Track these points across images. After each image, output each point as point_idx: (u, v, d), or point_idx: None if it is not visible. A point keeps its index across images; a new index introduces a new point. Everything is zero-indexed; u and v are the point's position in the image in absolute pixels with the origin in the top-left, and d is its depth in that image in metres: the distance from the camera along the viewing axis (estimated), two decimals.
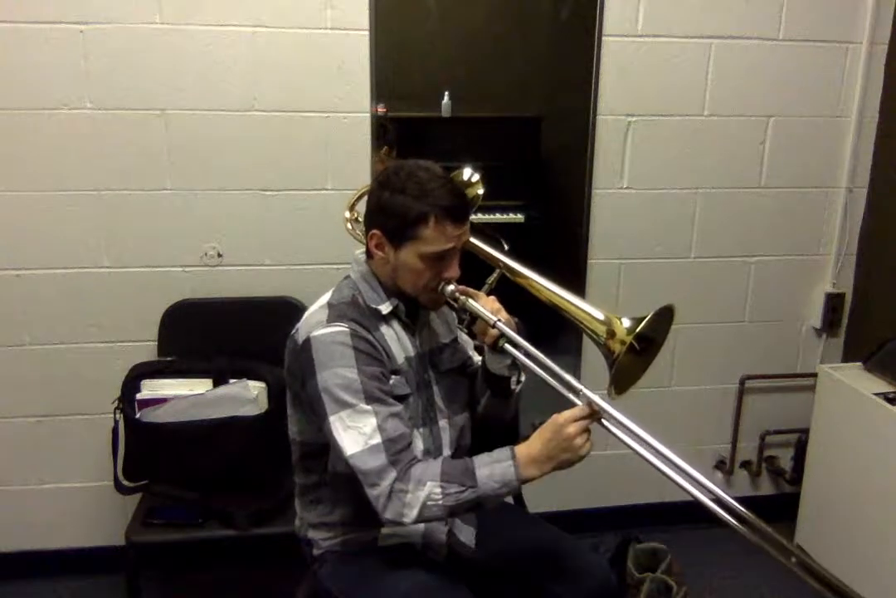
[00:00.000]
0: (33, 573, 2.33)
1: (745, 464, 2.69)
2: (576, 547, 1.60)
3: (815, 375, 2.46)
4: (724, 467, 2.67)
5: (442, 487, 1.30)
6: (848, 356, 2.61)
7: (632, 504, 2.63)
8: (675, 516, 2.58)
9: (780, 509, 2.54)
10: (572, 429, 1.29)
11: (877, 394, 2.17)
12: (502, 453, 1.34)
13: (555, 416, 1.32)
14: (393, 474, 1.32)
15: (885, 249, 2.48)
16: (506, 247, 1.65)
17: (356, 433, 1.33)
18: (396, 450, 1.33)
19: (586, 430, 1.30)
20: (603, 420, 1.31)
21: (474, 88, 2.38)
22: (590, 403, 1.31)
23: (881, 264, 2.50)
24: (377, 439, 1.33)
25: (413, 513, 1.31)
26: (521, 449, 1.33)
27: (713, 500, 1.23)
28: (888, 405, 2.11)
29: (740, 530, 1.20)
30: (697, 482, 1.25)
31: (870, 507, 2.18)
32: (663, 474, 1.25)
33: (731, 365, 2.60)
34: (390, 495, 1.31)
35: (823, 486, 2.39)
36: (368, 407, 1.35)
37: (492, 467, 1.31)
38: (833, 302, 2.56)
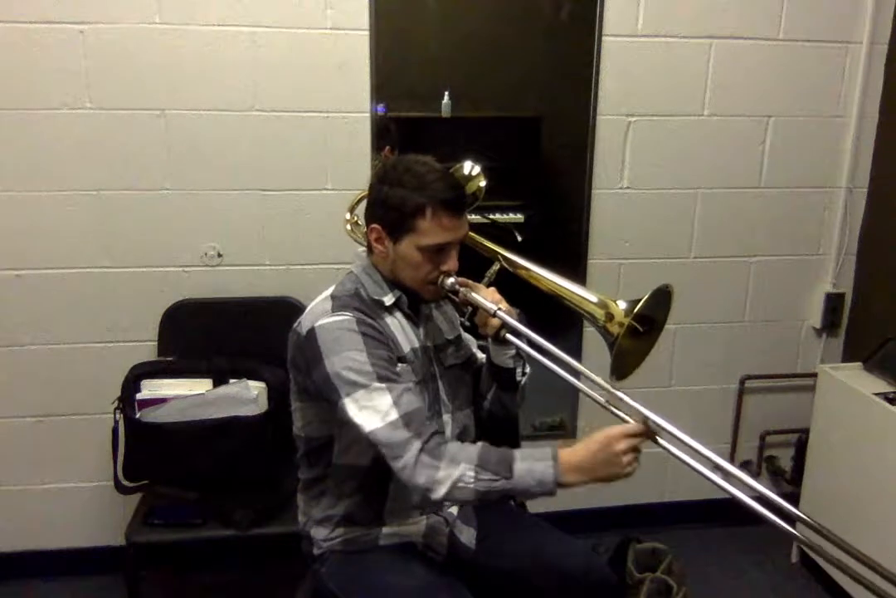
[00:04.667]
0: (33, 573, 2.33)
1: (745, 464, 2.69)
2: (575, 548, 1.60)
3: (815, 375, 2.46)
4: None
5: (476, 471, 1.28)
6: (848, 356, 2.62)
7: (632, 504, 2.63)
8: (675, 516, 2.58)
9: (779, 509, 2.54)
10: (623, 445, 1.26)
11: (877, 394, 2.16)
12: (544, 451, 1.30)
13: (606, 429, 1.29)
14: (417, 444, 1.29)
15: (885, 249, 2.48)
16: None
17: (372, 412, 1.32)
18: (417, 422, 1.32)
19: (637, 449, 1.27)
20: (658, 439, 1.27)
21: (474, 88, 2.37)
22: (645, 420, 1.27)
23: (881, 264, 2.50)
24: (394, 415, 1.32)
25: (443, 490, 1.28)
26: (565, 454, 1.29)
27: (780, 516, 1.20)
28: (888, 405, 2.11)
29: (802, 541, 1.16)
30: (763, 498, 1.22)
31: (870, 507, 2.18)
32: (721, 488, 1.21)
33: (731, 365, 2.60)
34: (416, 465, 1.28)
35: (823, 486, 2.39)
36: (382, 385, 1.34)
37: (531, 464, 1.29)
38: (833, 302, 2.56)
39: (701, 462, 1.23)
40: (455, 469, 1.28)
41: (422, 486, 1.29)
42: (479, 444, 1.34)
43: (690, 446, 1.24)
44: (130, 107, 2.08)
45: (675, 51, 2.29)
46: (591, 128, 2.31)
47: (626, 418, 1.29)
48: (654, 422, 1.27)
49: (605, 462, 1.27)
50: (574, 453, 1.29)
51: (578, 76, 2.29)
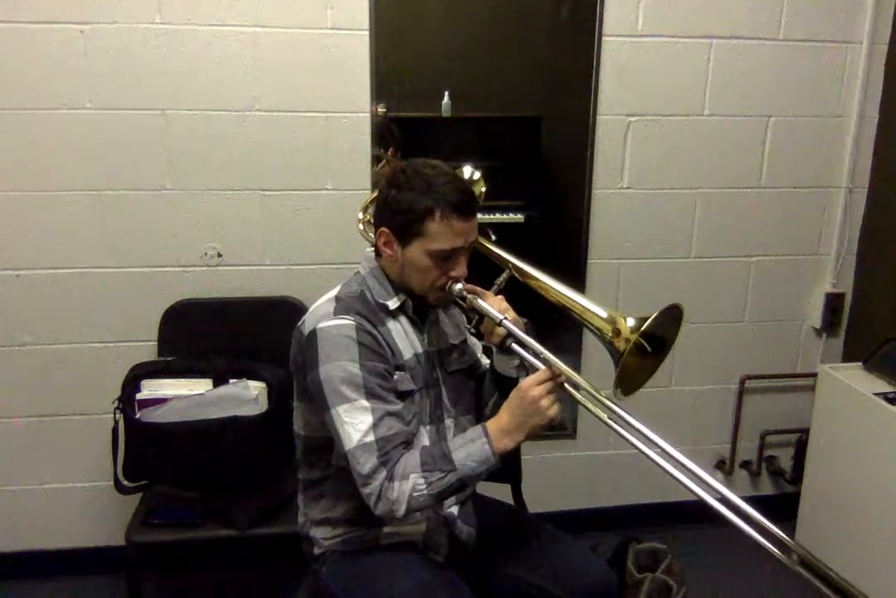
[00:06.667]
0: (33, 573, 2.33)
1: (745, 464, 2.70)
2: (575, 548, 1.60)
3: (815, 375, 2.46)
4: (724, 467, 2.67)
5: (424, 477, 1.32)
6: (848, 356, 2.62)
7: (632, 504, 2.63)
8: (675, 516, 2.58)
9: (780, 509, 2.53)
10: (535, 392, 1.32)
11: (877, 394, 2.17)
12: (474, 431, 1.36)
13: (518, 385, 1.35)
14: (383, 474, 1.33)
15: (885, 249, 2.48)
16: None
17: (352, 429, 1.35)
18: (388, 449, 1.34)
19: (550, 392, 1.32)
20: (565, 384, 1.33)
21: (474, 88, 2.38)
22: (550, 364, 1.33)
23: (881, 264, 2.50)
24: (371, 438, 1.34)
25: (402, 507, 1.33)
26: (491, 424, 1.35)
27: (697, 481, 1.23)
28: (888, 405, 2.11)
29: (718, 511, 1.18)
30: (670, 455, 1.24)
31: (870, 507, 2.18)
32: (627, 440, 1.25)
33: (731, 365, 2.60)
34: (380, 495, 1.33)
35: (823, 486, 2.39)
36: (367, 404, 1.35)
37: (467, 448, 1.34)
38: (833, 302, 2.56)
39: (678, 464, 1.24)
40: (406, 483, 1.32)
41: (383, 512, 1.34)
42: (419, 448, 1.38)
43: (602, 402, 1.29)
44: (130, 107, 2.08)
45: (675, 51, 2.29)
46: (591, 128, 2.31)
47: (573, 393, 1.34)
48: (573, 378, 1.32)
49: (527, 414, 1.32)
50: (499, 419, 1.36)
51: (578, 76, 2.29)
